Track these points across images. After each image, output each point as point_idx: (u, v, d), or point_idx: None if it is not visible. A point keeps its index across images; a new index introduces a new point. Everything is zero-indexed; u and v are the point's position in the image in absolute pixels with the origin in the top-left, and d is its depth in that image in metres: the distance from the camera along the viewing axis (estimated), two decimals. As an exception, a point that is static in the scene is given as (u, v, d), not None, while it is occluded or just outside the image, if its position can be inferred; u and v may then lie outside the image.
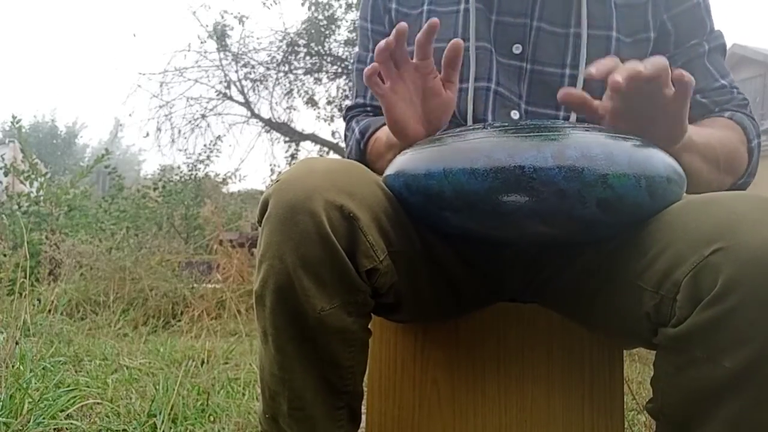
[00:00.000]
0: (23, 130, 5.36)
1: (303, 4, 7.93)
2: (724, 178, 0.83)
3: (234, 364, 2.10)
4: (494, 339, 0.89)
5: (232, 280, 3.74)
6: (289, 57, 8.23)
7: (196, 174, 7.99)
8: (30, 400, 1.37)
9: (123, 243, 4.03)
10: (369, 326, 0.72)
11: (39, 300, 2.97)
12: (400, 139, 0.78)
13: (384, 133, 0.88)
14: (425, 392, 0.89)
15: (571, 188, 0.59)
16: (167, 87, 8.11)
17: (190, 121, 8.37)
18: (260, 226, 0.66)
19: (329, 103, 8.56)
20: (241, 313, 3.19)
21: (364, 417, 0.85)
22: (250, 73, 8.36)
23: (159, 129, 8.24)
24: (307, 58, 8.28)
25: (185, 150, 8.33)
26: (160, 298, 3.30)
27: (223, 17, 8.04)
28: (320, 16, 7.93)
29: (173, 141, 8.31)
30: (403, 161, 0.69)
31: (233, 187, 9.11)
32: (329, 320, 0.64)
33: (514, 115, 0.87)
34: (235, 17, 8.03)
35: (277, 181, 0.66)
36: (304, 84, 8.54)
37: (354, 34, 7.81)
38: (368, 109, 1.02)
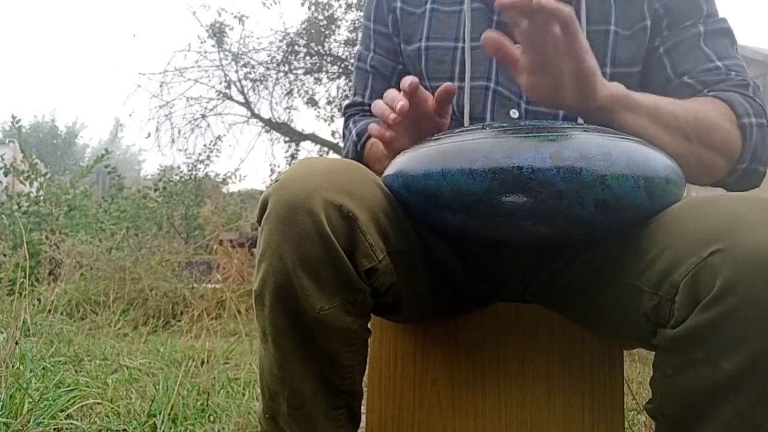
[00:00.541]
0: (23, 130, 5.37)
1: (303, 4, 7.92)
2: (703, 153, 0.76)
3: (234, 364, 2.10)
4: (494, 339, 0.89)
5: (232, 280, 3.74)
6: (289, 57, 8.23)
7: (196, 174, 7.98)
8: (30, 400, 1.37)
9: (123, 243, 4.03)
10: (369, 326, 0.72)
11: (39, 300, 2.97)
12: None
13: None
14: (425, 392, 0.89)
15: (569, 189, 0.59)
16: (167, 87, 8.11)
17: (190, 121, 8.37)
18: (260, 225, 0.66)
19: (329, 103, 8.55)
20: (241, 313, 3.19)
21: (364, 417, 0.85)
22: (250, 73, 8.36)
23: (159, 129, 8.24)
24: (307, 58, 8.27)
25: (185, 150, 8.33)
26: (160, 298, 3.30)
27: (220, 15, 8.03)
28: (320, 16, 7.92)
29: (173, 141, 8.30)
30: (402, 162, 0.69)
31: (233, 187, 9.11)
32: (329, 320, 0.64)
33: (514, 113, 0.87)
34: (235, 17, 8.03)
35: (277, 180, 0.66)
36: (304, 84, 8.54)
37: (354, 34, 7.81)
38: (366, 108, 1.02)
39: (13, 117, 5.30)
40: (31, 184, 4.87)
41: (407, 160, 0.69)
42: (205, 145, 8.38)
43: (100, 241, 3.97)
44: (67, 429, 1.34)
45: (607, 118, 0.70)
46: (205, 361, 2.08)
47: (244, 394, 1.70)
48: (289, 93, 8.54)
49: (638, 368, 2.15)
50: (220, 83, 8.36)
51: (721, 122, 0.77)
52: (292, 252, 0.62)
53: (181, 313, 3.26)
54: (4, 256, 3.42)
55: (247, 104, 8.47)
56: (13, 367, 1.61)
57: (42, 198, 4.77)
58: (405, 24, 0.95)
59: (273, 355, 0.67)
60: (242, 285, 3.64)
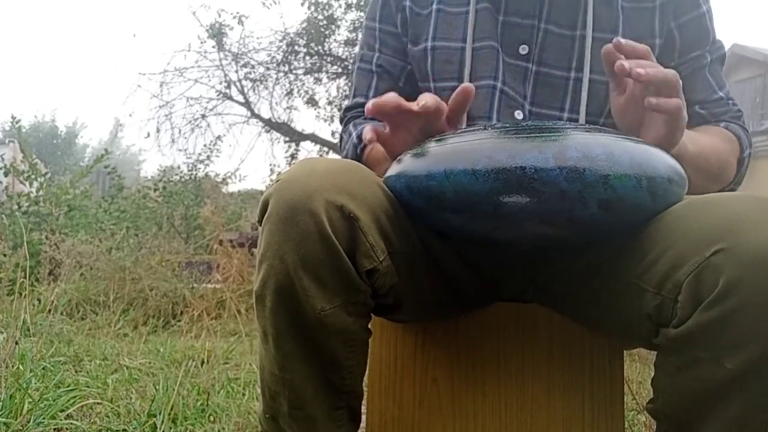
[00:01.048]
0: (23, 130, 5.36)
1: (303, 4, 7.92)
2: (710, 187, 0.85)
3: (234, 364, 2.10)
4: (494, 339, 0.89)
5: (232, 280, 3.74)
6: (289, 57, 8.22)
7: (196, 174, 7.98)
8: (30, 400, 1.37)
9: (123, 243, 4.03)
10: (369, 326, 0.72)
11: (39, 300, 2.97)
12: None
13: None
14: (425, 392, 0.89)
15: (572, 189, 0.59)
16: (167, 87, 8.10)
17: (190, 121, 8.36)
18: (260, 226, 0.66)
19: (329, 103, 8.55)
20: (241, 313, 3.18)
21: (364, 417, 0.85)
22: (250, 73, 8.36)
23: (159, 129, 8.23)
24: (307, 58, 8.27)
25: (185, 150, 8.32)
26: (160, 298, 3.30)
27: (220, 15, 8.03)
28: (320, 16, 7.92)
29: (173, 141, 8.29)
30: (405, 162, 0.69)
31: (233, 187, 9.09)
32: (329, 320, 0.64)
33: (518, 115, 0.87)
34: (235, 17, 8.02)
35: (278, 180, 0.66)
36: (304, 84, 8.53)
37: (354, 35, 7.80)
38: (368, 109, 1.01)
39: (13, 117, 5.30)
40: (31, 184, 4.86)
41: (409, 161, 0.68)
42: (205, 145, 8.38)
43: (100, 241, 3.97)
44: (67, 429, 1.34)
45: None
46: (205, 361, 2.08)
47: (244, 394, 1.70)
48: (289, 93, 8.54)
49: (638, 368, 2.15)
50: (220, 83, 8.37)
51: (732, 159, 0.87)
52: (293, 252, 0.62)
53: (181, 313, 3.26)
54: (4, 256, 3.42)
55: (247, 104, 8.47)
56: (13, 367, 1.61)
57: (42, 198, 4.77)
58: (413, 24, 0.95)
59: (274, 356, 0.67)
60: (242, 285, 3.64)
